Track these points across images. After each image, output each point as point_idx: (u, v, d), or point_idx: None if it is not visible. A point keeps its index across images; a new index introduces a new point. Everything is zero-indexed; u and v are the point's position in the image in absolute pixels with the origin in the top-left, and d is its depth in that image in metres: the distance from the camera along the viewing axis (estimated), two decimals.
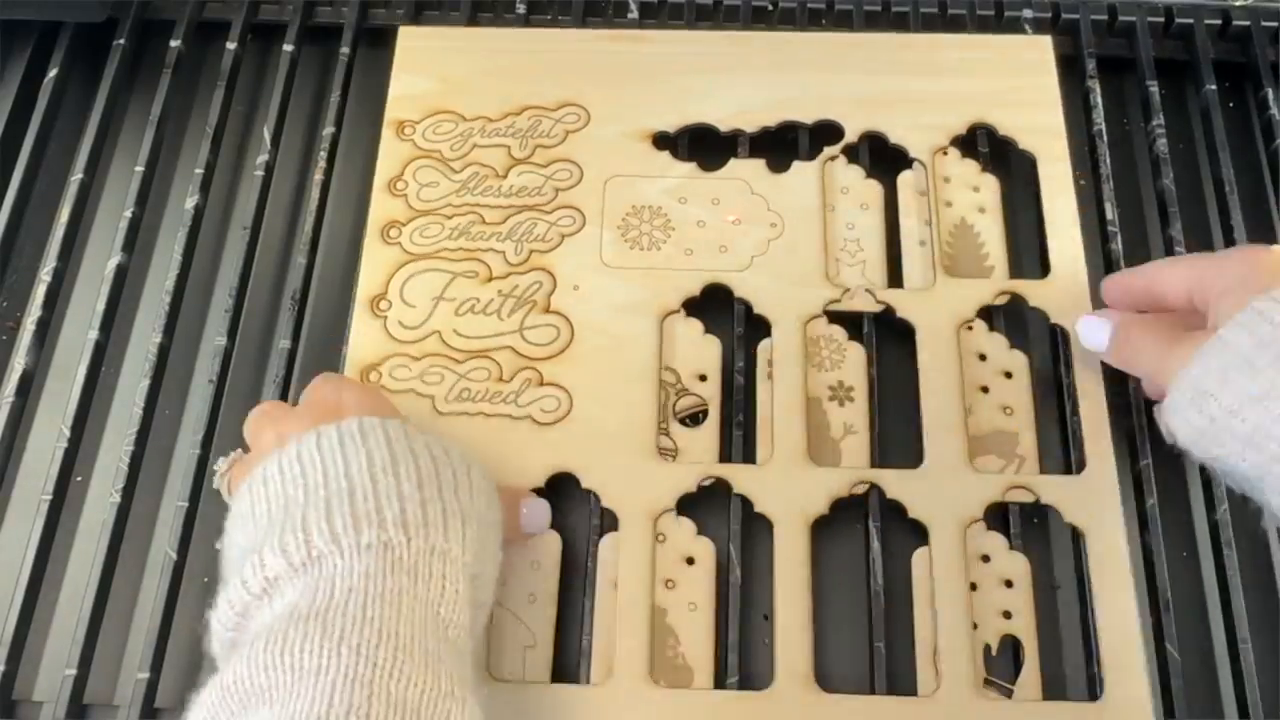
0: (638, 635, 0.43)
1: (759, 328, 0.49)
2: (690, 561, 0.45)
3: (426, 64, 0.55)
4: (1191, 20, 0.58)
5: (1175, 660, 0.44)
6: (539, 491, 0.45)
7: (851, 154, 0.53)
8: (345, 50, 0.57)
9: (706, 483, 0.45)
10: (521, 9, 0.59)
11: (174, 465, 0.50)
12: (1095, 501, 0.45)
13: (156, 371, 0.50)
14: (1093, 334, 0.45)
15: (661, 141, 0.53)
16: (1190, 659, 0.45)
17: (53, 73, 0.58)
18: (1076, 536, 0.45)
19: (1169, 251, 0.52)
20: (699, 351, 0.48)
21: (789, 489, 0.45)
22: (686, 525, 0.45)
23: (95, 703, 0.45)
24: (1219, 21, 0.58)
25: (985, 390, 0.48)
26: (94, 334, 0.51)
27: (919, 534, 0.45)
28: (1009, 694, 0.43)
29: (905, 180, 0.52)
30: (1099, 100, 0.55)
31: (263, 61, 0.60)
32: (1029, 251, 0.52)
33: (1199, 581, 0.47)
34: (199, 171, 0.54)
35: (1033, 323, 0.50)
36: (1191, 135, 0.57)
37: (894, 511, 0.45)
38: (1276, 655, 0.45)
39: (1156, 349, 0.41)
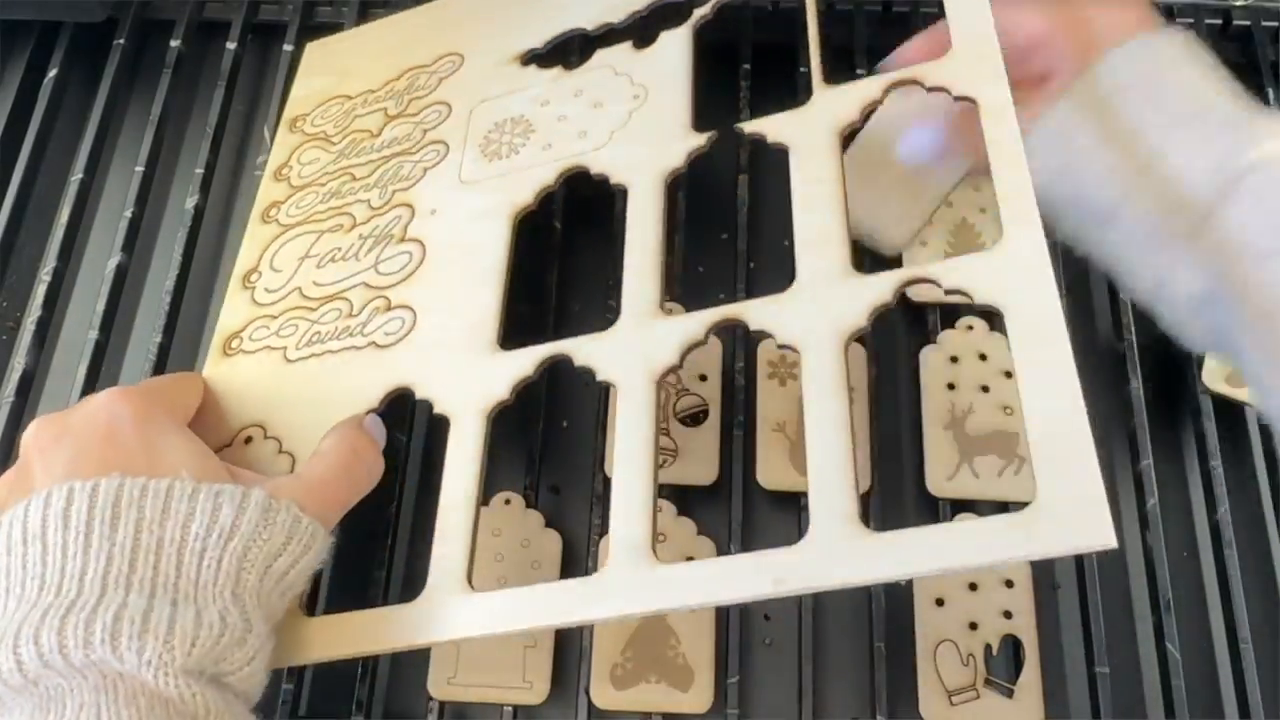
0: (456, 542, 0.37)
1: (616, 198, 0.45)
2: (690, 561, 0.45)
3: (324, 66, 0.54)
4: (1191, 20, 0.58)
5: (1175, 660, 0.44)
6: (375, 412, 0.42)
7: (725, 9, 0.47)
8: None
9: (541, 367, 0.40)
10: None
11: None
12: (1016, 275, 0.35)
13: (156, 371, 0.50)
14: (921, 146, 0.42)
15: (532, 59, 0.50)
16: (1190, 659, 0.45)
17: (53, 73, 0.58)
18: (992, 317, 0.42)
19: None
20: (699, 352, 0.47)
21: (639, 347, 0.39)
22: (687, 525, 0.45)
23: None
24: (1219, 21, 0.58)
25: (985, 390, 0.48)
26: (94, 334, 0.51)
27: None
28: (1009, 694, 0.43)
29: None
30: None
31: (263, 61, 0.60)
32: None
33: (1199, 581, 0.47)
34: (199, 171, 0.54)
35: None
36: None
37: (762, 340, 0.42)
38: (1276, 655, 0.45)
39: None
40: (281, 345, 0.45)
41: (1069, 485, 0.30)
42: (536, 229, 0.46)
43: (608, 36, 0.49)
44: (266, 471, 0.40)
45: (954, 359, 0.48)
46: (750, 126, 0.42)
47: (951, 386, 0.48)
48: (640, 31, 0.48)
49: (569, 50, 0.50)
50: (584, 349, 0.39)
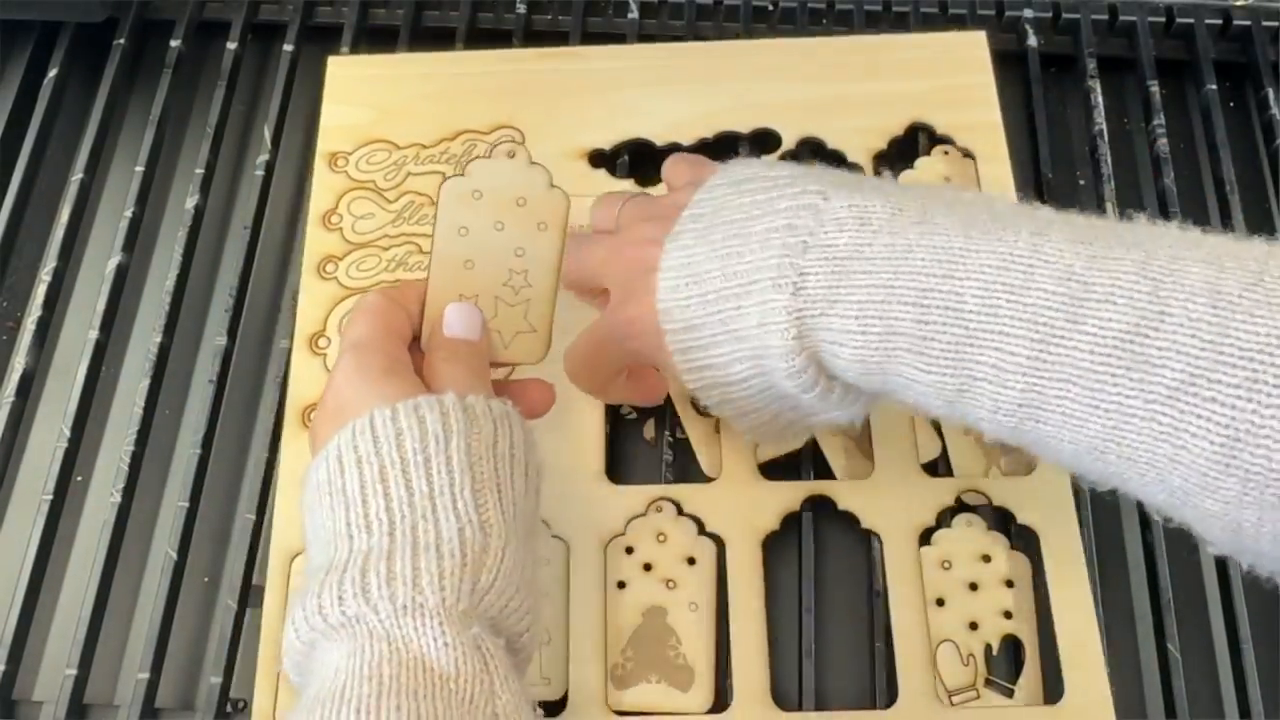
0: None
1: None
2: (691, 561, 0.45)
3: (357, 93, 0.54)
4: (1192, 20, 0.58)
5: (1176, 660, 0.44)
6: None
7: (791, 160, 0.51)
8: (344, 50, 0.57)
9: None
10: (522, 8, 0.59)
11: (174, 465, 0.50)
12: (1047, 500, 0.44)
13: (156, 371, 0.50)
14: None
15: (598, 159, 0.52)
16: (1191, 659, 0.45)
17: (53, 73, 0.58)
18: (1033, 538, 0.45)
19: None
20: None
21: (740, 506, 0.45)
22: (687, 525, 0.45)
23: (95, 703, 0.45)
24: (1219, 21, 0.58)
25: None
26: (94, 334, 0.51)
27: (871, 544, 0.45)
28: (1009, 694, 0.43)
29: (907, 180, 0.51)
30: (1099, 100, 0.55)
31: (263, 61, 0.60)
32: None
33: (1200, 581, 0.47)
34: (199, 171, 0.54)
35: None
36: (1192, 135, 0.57)
37: (847, 523, 0.45)
38: (1276, 655, 0.45)
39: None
40: None
41: (1085, 689, 0.42)
42: None
43: (670, 153, 0.50)
44: None
45: None
46: None
47: None
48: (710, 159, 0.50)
49: (632, 158, 0.53)
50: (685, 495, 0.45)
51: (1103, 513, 0.47)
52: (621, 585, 0.44)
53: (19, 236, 0.55)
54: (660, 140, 0.52)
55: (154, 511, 0.49)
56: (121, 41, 0.58)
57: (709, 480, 0.46)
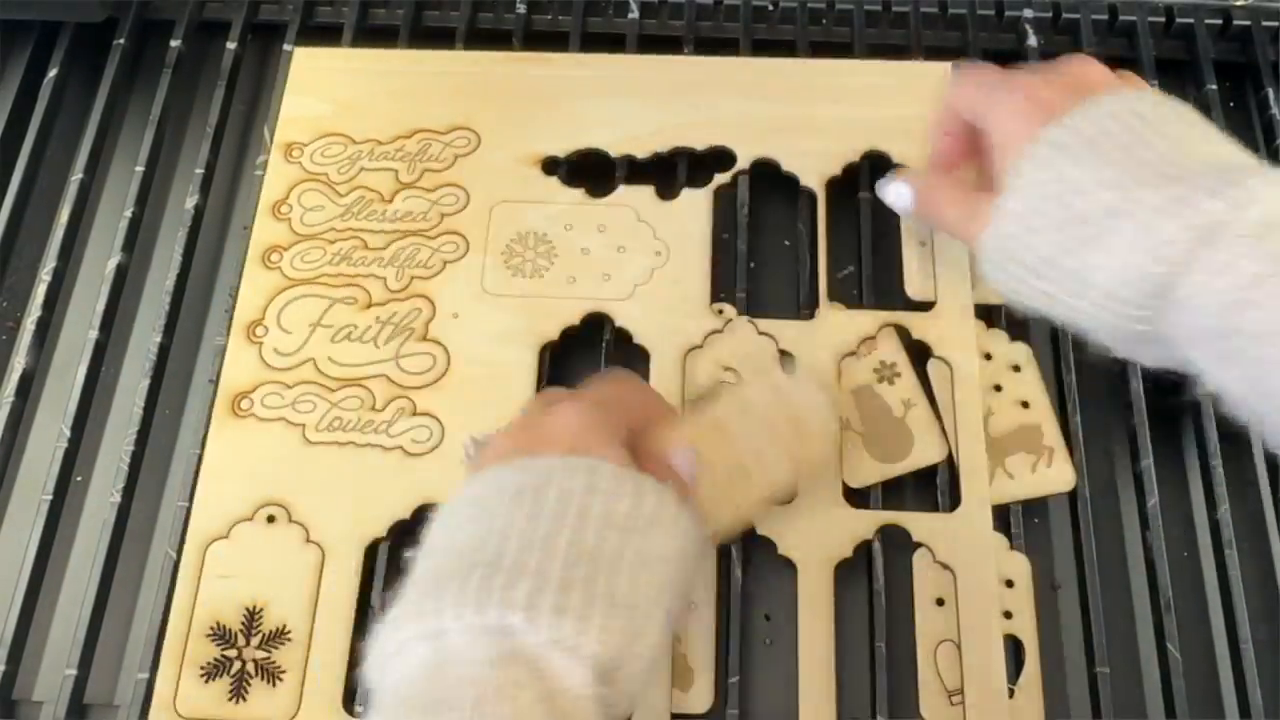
0: None
1: (639, 358, 0.48)
2: None
3: (319, 86, 0.54)
4: (1192, 20, 0.58)
5: (1176, 660, 0.44)
6: (405, 523, 0.44)
7: (743, 181, 0.52)
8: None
9: None
10: (522, 8, 0.59)
11: (174, 465, 0.50)
12: (966, 539, 0.44)
13: (156, 371, 0.50)
14: (895, 197, 0.45)
15: (550, 166, 0.52)
16: (1191, 659, 0.45)
17: (53, 73, 0.58)
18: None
19: None
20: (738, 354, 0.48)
21: None
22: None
23: (95, 703, 0.45)
24: (1219, 21, 0.58)
25: (998, 389, 0.48)
26: (94, 334, 0.51)
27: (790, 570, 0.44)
28: (1009, 694, 0.43)
29: None
30: None
31: (263, 61, 0.60)
32: None
33: (1199, 581, 0.47)
34: (199, 171, 0.54)
35: (1038, 319, 0.50)
36: None
37: (764, 549, 0.45)
38: (1276, 655, 0.45)
39: (958, 203, 0.41)
40: (300, 422, 0.46)
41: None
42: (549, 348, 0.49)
43: (626, 167, 0.52)
44: (295, 563, 0.43)
45: None
46: (763, 325, 0.48)
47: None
48: (659, 174, 0.52)
49: (586, 168, 0.52)
50: None
51: (1103, 512, 0.47)
52: None
53: (19, 236, 0.55)
54: (614, 151, 0.52)
55: (154, 511, 0.49)
56: (121, 41, 0.58)
57: None
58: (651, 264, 0.49)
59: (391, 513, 0.45)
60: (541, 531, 0.32)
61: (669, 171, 0.52)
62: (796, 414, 0.41)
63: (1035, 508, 0.47)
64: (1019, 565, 0.45)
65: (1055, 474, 0.46)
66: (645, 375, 0.47)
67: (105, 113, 0.56)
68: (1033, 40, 0.58)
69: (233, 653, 0.43)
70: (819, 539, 0.44)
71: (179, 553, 0.46)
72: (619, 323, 0.48)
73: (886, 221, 0.51)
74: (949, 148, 0.44)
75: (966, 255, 0.48)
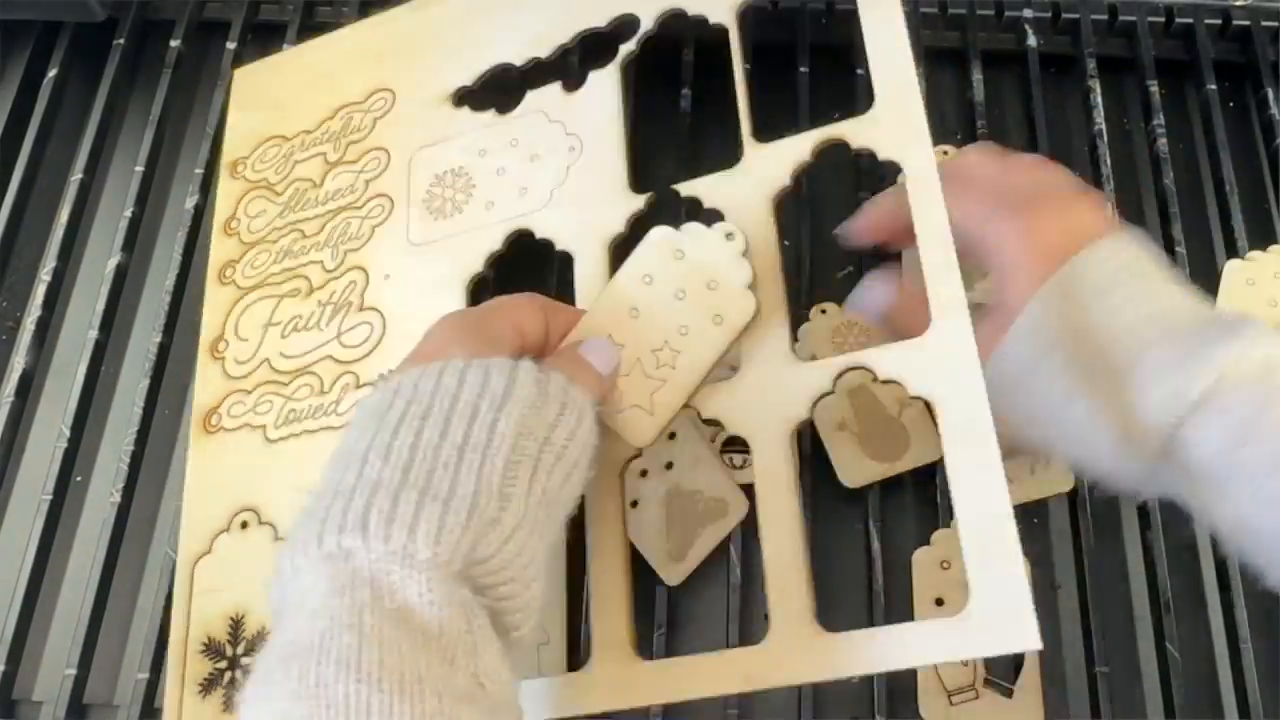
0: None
1: (566, 264, 0.44)
2: None
3: (256, 97, 0.53)
4: (1191, 20, 0.58)
5: (1175, 660, 0.44)
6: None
7: (652, 46, 0.46)
8: None
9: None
10: None
11: (174, 465, 0.50)
12: (946, 366, 0.36)
13: (156, 371, 0.50)
14: (871, 298, 0.41)
15: (462, 99, 0.49)
16: (1190, 659, 0.45)
17: (53, 73, 0.58)
18: None
19: (1170, 251, 0.52)
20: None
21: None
22: None
23: (95, 703, 0.45)
24: (1219, 21, 0.58)
25: None
26: (94, 334, 0.51)
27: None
28: (1009, 694, 0.43)
29: None
30: (1099, 100, 0.55)
31: None
32: None
33: (1199, 581, 0.47)
34: (199, 171, 0.54)
35: None
36: (1191, 135, 0.57)
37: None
38: (1276, 655, 0.45)
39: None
40: (261, 424, 0.45)
41: (998, 593, 0.32)
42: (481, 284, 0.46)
43: (537, 72, 0.48)
44: (269, 563, 0.39)
45: None
46: (685, 189, 0.42)
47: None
48: (569, 68, 0.48)
49: (500, 87, 0.49)
50: None
51: (1103, 513, 0.47)
52: None
53: (19, 236, 0.55)
54: (520, 60, 0.48)
55: (154, 511, 0.49)
56: (121, 41, 0.58)
57: None
58: (566, 162, 0.45)
59: None
60: (381, 443, 0.31)
61: (580, 64, 0.48)
62: (707, 274, 0.39)
63: (1035, 508, 0.47)
64: None
65: (1053, 475, 0.46)
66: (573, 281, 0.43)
67: (105, 113, 0.56)
68: (1033, 40, 0.58)
69: (223, 664, 0.42)
70: (770, 405, 0.38)
71: (179, 553, 0.46)
72: (539, 234, 0.44)
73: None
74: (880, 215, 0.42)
75: (908, 49, 0.40)
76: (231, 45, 0.58)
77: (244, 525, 0.44)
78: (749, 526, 0.44)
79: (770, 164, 0.41)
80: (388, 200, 0.48)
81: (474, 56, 0.49)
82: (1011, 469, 0.46)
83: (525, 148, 0.46)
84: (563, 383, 0.33)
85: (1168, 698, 0.44)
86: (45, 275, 0.53)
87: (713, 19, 0.45)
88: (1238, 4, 0.58)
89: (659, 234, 0.39)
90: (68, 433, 0.49)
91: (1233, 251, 0.52)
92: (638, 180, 0.43)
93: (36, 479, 0.48)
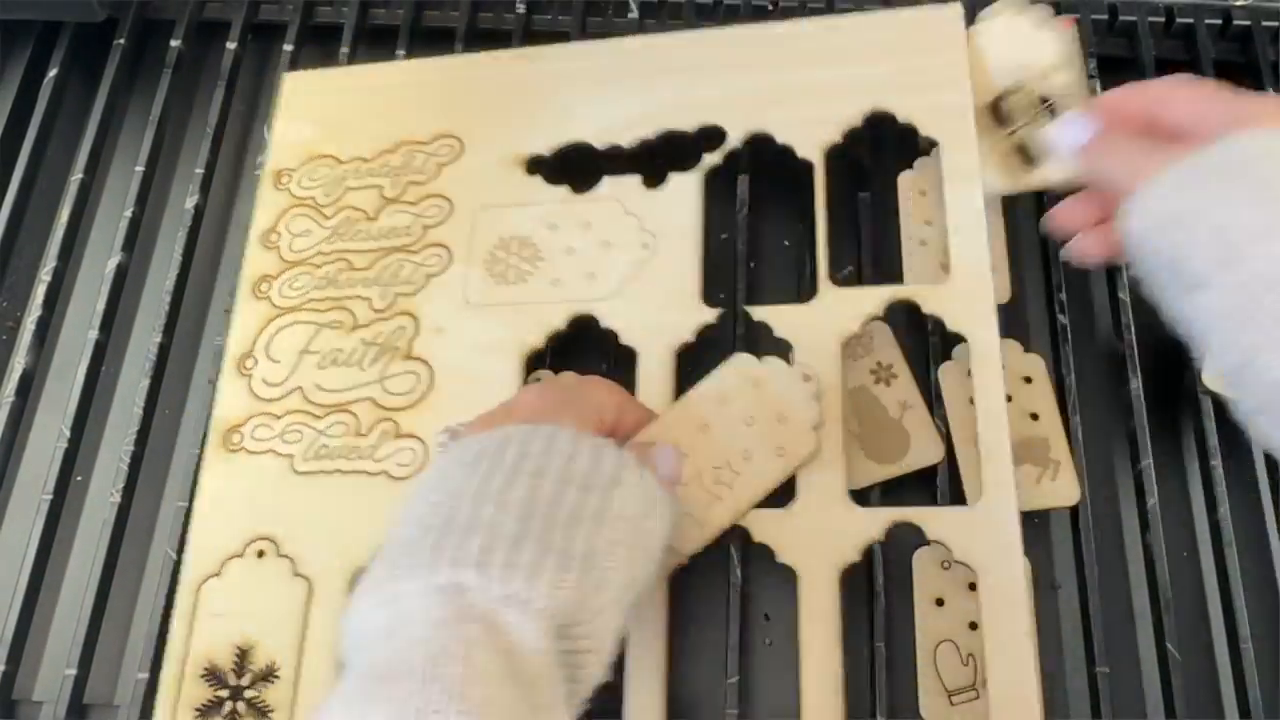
0: None
1: (628, 360, 0.45)
2: None
3: (308, 109, 0.53)
4: (1192, 20, 0.58)
5: (1176, 660, 0.44)
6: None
7: (736, 160, 0.49)
8: (344, 50, 0.57)
9: None
10: (522, 8, 0.59)
11: (174, 465, 0.50)
12: (989, 535, 0.40)
13: (156, 371, 0.50)
14: (1074, 130, 0.40)
15: (535, 166, 0.49)
16: (1190, 659, 0.45)
17: (53, 73, 0.58)
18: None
19: None
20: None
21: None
22: None
23: (95, 703, 0.45)
24: (1219, 21, 0.58)
25: (1008, 399, 0.46)
26: (94, 334, 0.51)
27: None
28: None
29: (906, 180, 0.51)
30: None
31: (263, 61, 0.60)
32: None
33: (1199, 581, 0.47)
34: (199, 171, 0.54)
35: (1034, 319, 0.50)
36: None
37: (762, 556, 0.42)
38: (1276, 655, 0.45)
39: (1136, 152, 0.38)
40: (288, 453, 0.45)
41: None
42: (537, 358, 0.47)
43: (614, 158, 0.49)
44: (283, 598, 0.42)
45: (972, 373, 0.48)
46: (758, 314, 0.45)
47: (974, 401, 0.47)
48: (649, 161, 0.49)
49: (573, 163, 0.50)
50: None
51: (1103, 513, 0.47)
52: None
53: (19, 236, 0.55)
54: (599, 143, 0.49)
55: (154, 511, 0.49)
56: (121, 41, 0.58)
57: None
58: (639, 258, 0.46)
59: (377, 540, 0.42)
60: (495, 488, 0.33)
61: (660, 158, 0.50)
62: (778, 407, 0.41)
63: (1035, 509, 0.47)
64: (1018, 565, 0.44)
65: (1060, 488, 0.46)
66: (633, 377, 0.45)
67: (105, 113, 0.56)
68: None
69: (225, 693, 0.42)
70: (821, 543, 0.41)
71: (179, 553, 0.46)
72: (604, 323, 0.45)
73: (887, 221, 0.51)
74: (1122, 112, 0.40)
75: (985, 225, 0.45)
76: (231, 45, 0.58)
77: (260, 554, 0.44)
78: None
79: (845, 307, 0.44)
80: (446, 251, 0.48)
81: (552, 127, 0.50)
82: (1018, 476, 0.46)
83: (598, 233, 0.47)
84: (655, 481, 0.36)
85: (1168, 698, 0.43)
86: (45, 275, 0.53)
87: (800, 153, 0.47)
88: (1238, 4, 0.58)
89: (743, 361, 0.41)
90: (68, 433, 0.49)
91: None
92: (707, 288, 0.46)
93: (36, 479, 0.48)
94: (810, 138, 0.47)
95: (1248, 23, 0.58)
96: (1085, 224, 0.42)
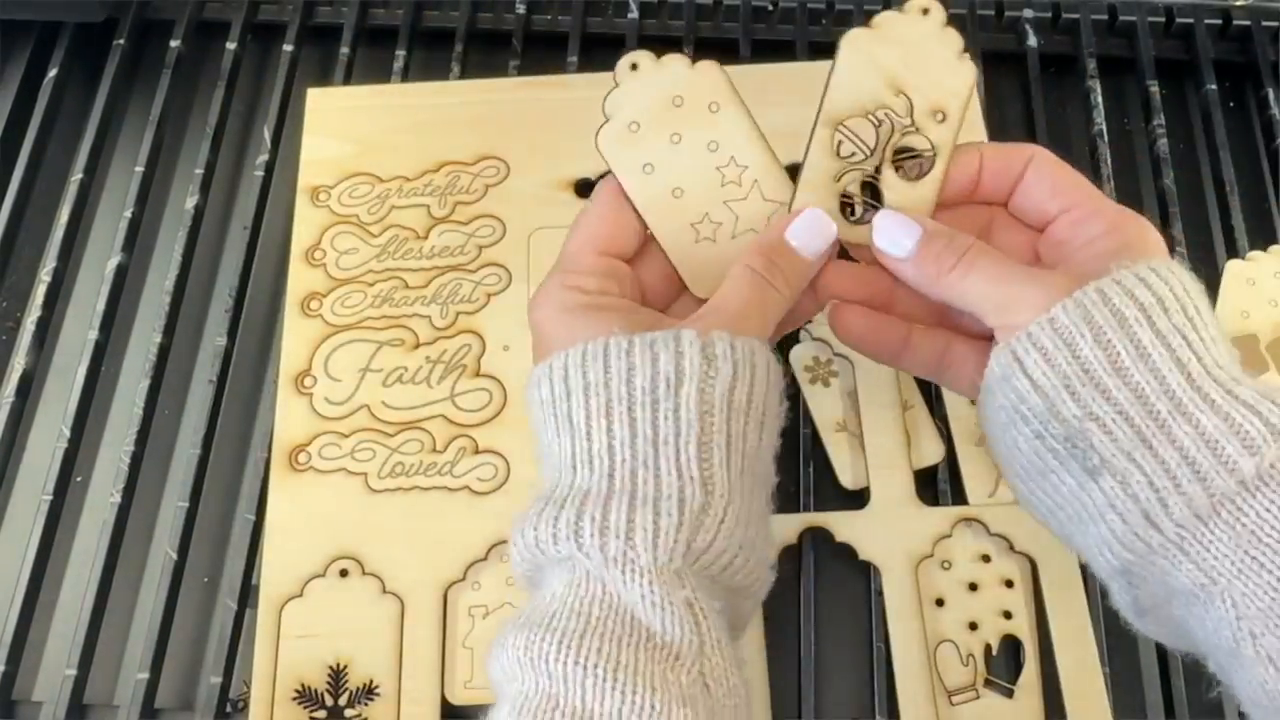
0: None
1: None
2: None
3: (337, 126, 0.53)
4: (1192, 20, 0.58)
5: (1176, 660, 0.44)
6: (479, 563, 0.44)
7: None
8: (345, 50, 0.57)
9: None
10: (522, 9, 0.59)
11: (174, 465, 0.50)
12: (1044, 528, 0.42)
13: (156, 371, 0.50)
14: (895, 234, 0.34)
15: (584, 189, 0.51)
16: (1191, 659, 0.44)
17: (53, 73, 0.58)
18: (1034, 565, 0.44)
19: (1170, 251, 0.52)
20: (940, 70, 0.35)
21: None
22: None
23: (95, 703, 0.45)
24: (1219, 21, 0.58)
25: None
26: (94, 334, 0.51)
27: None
28: (1009, 694, 0.43)
29: None
30: (1099, 100, 0.55)
31: (263, 61, 0.60)
32: None
33: None
34: (199, 171, 0.54)
35: None
36: (1192, 135, 0.57)
37: (845, 555, 0.45)
38: None
39: (1001, 277, 0.33)
40: (361, 470, 0.46)
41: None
42: None
43: None
44: (374, 616, 0.43)
45: None
46: (817, 330, 0.48)
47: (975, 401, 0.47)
48: None
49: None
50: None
51: None
52: None
53: (19, 236, 0.55)
54: None
55: (154, 511, 0.49)
56: (121, 41, 0.58)
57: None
58: None
59: (465, 555, 0.44)
60: (580, 448, 0.32)
61: None
62: (671, 96, 0.36)
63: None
64: (1019, 565, 0.45)
65: None
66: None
67: (105, 113, 0.56)
68: (1033, 40, 0.58)
69: (322, 713, 0.42)
70: (898, 540, 0.44)
71: (179, 553, 0.46)
72: None
73: None
74: (977, 182, 0.36)
75: None
76: (231, 45, 0.58)
77: (343, 573, 0.44)
78: None
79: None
80: (504, 271, 0.49)
81: (596, 152, 0.50)
82: None
83: None
84: (726, 341, 0.32)
85: (1168, 698, 0.44)
86: (45, 275, 0.52)
87: None
88: (1238, 4, 0.58)
89: (604, 136, 0.36)
90: (68, 433, 0.49)
91: (1233, 251, 0.52)
92: None
93: (36, 479, 0.48)
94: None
95: (1248, 23, 0.58)
96: (864, 297, 0.36)
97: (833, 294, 0.37)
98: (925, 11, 0.35)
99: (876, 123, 0.35)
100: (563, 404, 0.33)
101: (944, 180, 0.35)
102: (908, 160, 0.35)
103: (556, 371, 0.33)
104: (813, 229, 0.35)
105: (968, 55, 0.35)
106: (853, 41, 0.35)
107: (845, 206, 0.36)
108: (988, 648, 0.43)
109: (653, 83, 0.36)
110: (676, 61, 0.36)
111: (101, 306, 0.51)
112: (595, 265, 0.36)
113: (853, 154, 0.35)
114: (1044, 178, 0.35)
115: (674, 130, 0.36)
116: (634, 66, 0.36)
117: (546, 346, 0.34)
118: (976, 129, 0.52)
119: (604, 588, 0.30)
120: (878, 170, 0.35)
